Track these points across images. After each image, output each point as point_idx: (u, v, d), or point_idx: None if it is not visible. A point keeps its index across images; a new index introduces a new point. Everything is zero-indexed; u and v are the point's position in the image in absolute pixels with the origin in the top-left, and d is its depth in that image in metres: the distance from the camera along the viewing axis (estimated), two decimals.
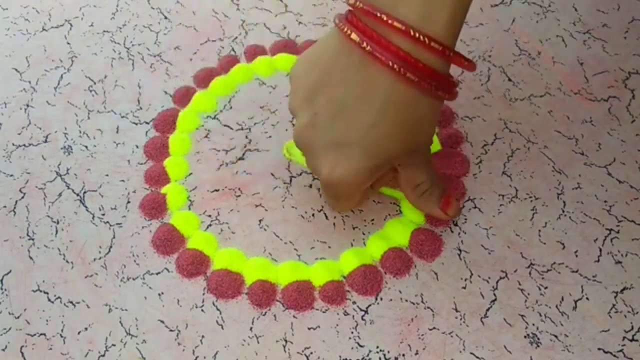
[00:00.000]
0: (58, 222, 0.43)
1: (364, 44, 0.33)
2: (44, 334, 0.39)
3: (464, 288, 0.40)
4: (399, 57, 0.33)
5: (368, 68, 0.34)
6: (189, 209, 0.44)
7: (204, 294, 0.41)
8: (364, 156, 0.35)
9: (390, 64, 0.33)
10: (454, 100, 0.37)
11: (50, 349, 0.39)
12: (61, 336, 0.39)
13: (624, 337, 0.39)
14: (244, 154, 0.46)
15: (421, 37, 0.33)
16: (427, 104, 0.35)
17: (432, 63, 0.33)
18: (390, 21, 0.33)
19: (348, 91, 0.35)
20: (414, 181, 0.39)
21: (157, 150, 0.47)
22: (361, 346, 0.39)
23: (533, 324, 0.39)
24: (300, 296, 0.40)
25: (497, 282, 0.41)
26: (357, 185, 0.37)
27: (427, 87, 0.34)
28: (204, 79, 0.50)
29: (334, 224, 0.43)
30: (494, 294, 0.40)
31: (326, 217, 0.43)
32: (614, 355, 0.38)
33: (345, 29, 0.34)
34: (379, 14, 0.33)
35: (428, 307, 0.40)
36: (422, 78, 0.33)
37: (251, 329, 0.39)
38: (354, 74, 0.34)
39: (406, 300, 0.40)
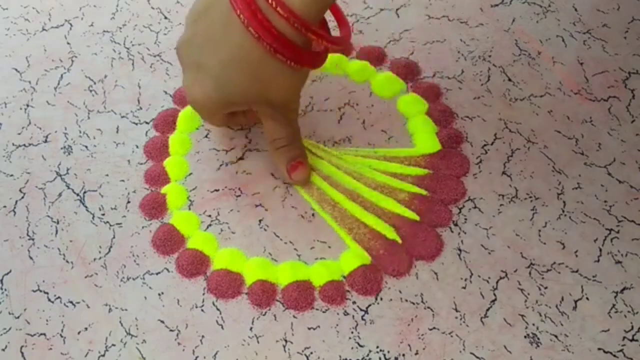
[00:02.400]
0: (58, 222, 0.43)
1: None
2: (44, 334, 0.39)
3: (464, 288, 0.40)
4: (249, 10, 0.36)
5: (231, 11, 0.37)
6: (189, 209, 0.44)
7: (204, 294, 0.41)
8: (215, 87, 0.38)
9: (238, 13, 0.36)
10: (313, 68, 0.40)
11: (50, 349, 0.39)
12: (61, 336, 0.39)
13: (624, 337, 0.39)
14: (244, 154, 0.46)
15: (270, 0, 0.35)
16: (272, 63, 0.37)
17: (281, 28, 0.36)
18: None
19: (218, 25, 0.38)
20: (272, 134, 0.43)
21: (157, 150, 0.46)
22: (361, 346, 0.39)
23: (533, 324, 0.39)
24: (300, 296, 0.40)
25: (497, 282, 0.41)
26: (210, 109, 0.40)
27: (266, 46, 0.36)
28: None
29: None
30: (494, 294, 0.40)
31: None
32: (614, 355, 0.38)
33: None
34: None
35: (428, 307, 0.40)
36: (264, 36, 0.36)
37: (251, 329, 0.39)
38: (224, 11, 0.37)
39: (406, 300, 0.40)
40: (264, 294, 0.40)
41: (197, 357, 0.38)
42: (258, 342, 0.39)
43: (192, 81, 0.40)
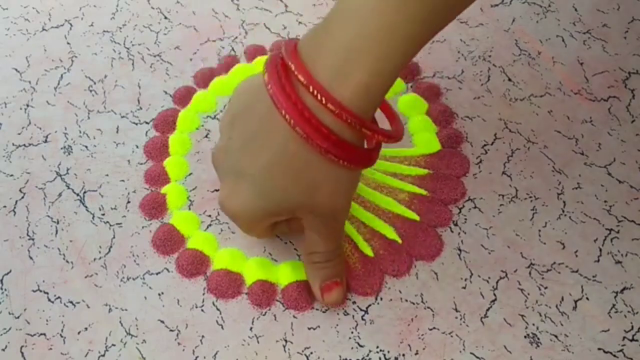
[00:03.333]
0: (58, 222, 0.43)
1: (269, 87, 0.33)
2: (44, 334, 0.39)
3: (464, 288, 0.40)
4: (295, 109, 0.32)
5: (273, 111, 0.33)
6: (189, 209, 0.44)
7: (204, 294, 0.41)
8: (256, 194, 0.35)
9: (284, 113, 0.32)
10: (366, 167, 0.35)
11: (50, 349, 0.39)
12: (61, 336, 0.39)
13: (624, 337, 0.39)
14: None
15: (319, 96, 0.32)
16: (322, 165, 0.33)
17: (332, 125, 0.32)
18: (296, 72, 0.33)
19: (259, 126, 0.34)
20: (310, 247, 0.38)
21: (157, 150, 0.47)
22: (361, 346, 0.39)
23: (533, 324, 0.39)
24: (300, 296, 0.40)
25: (497, 282, 0.41)
26: (251, 221, 0.37)
27: (316, 146, 0.32)
28: (204, 79, 0.50)
29: None
30: (494, 294, 0.40)
31: None
32: (614, 355, 0.38)
33: (264, 68, 0.34)
34: (289, 63, 0.33)
35: (428, 307, 0.40)
36: (312, 136, 0.32)
37: (251, 329, 0.39)
38: (265, 111, 0.34)
39: (406, 300, 0.40)
40: (264, 294, 0.40)
41: (197, 357, 0.38)
42: (258, 342, 0.39)
43: (229, 191, 0.36)
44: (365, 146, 0.36)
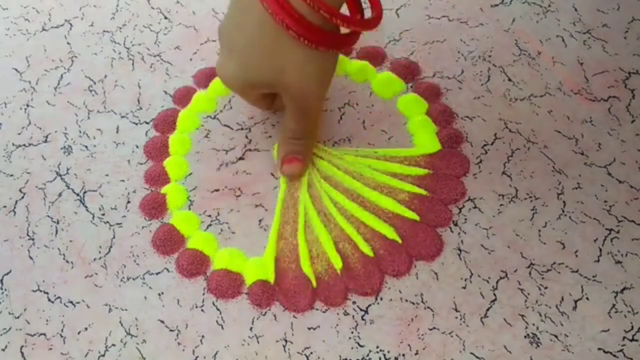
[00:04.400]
0: (58, 222, 0.43)
1: None
2: (44, 334, 0.39)
3: (464, 288, 0.40)
4: None
5: None
6: (189, 209, 0.44)
7: (204, 294, 0.41)
8: (239, 65, 0.39)
9: None
10: (343, 52, 0.39)
11: (50, 349, 0.39)
12: (61, 336, 0.39)
13: (624, 337, 0.39)
14: (244, 154, 0.46)
15: None
16: (289, 43, 0.37)
17: (297, 6, 0.36)
18: None
19: (245, 7, 0.38)
20: (285, 122, 0.43)
21: (157, 150, 0.47)
22: (361, 346, 0.39)
23: (533, 324, 0.39)
24: (297, 294, 0.40)
25: (497, 282, 0.41)
26: (237, 89, 0.41)
27: (279, 21, 0.36)
28: (204, 79, 0.50)
29: None
30: (494, 294, 0.40)
31: None
32: (614, 355, 0.38)
33: None
34: None
35: (428, 307, 0.40)
36: (277, 11, 0.36)
37: (251, 329, 0.39)
38: None
39: (406, 300, 0.40)
40: (264, 294, 0.40)
41: (197, 357, 0.38)
42: (258, 342, 0.39)
43: (222, 61, 0.40)
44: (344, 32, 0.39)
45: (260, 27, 0.37)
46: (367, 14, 0.40)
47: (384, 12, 0.40)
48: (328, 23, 0.37)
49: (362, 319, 0.40)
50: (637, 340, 0.38)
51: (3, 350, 0.39)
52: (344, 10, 0.40)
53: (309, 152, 0.44)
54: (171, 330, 0.39)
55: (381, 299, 0.40)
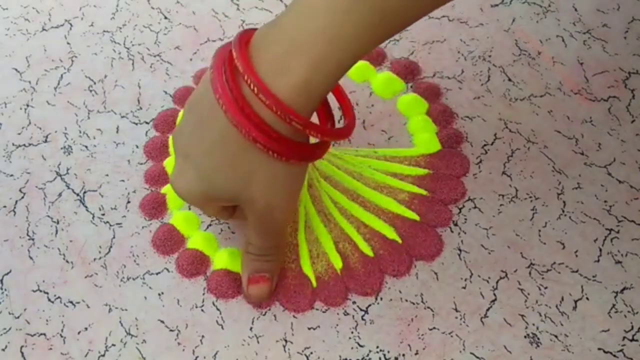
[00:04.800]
0: (58, 222, 0.43)
1: (211, 71, 0.34)
2: (44, 334, 0.39)
3: (464, 288, 0.40)
4: (228, 96, 0.33)
5: (212, 95, 0.34)
6: (189, 209, 0.44)
7: (204, 294, 0.41)
8: (198, 177, 0.35)
9: (217, 97, 0.33)
10: (304, 162, 0.35)
11: (50, 349, 0.39)
12: (61, 336, 0.39)
13: (624, 337, 0.39)
14: None
15: (252, 85, 0.32)
16: (256, 155, 0.34)
17: (265, 116, 0.33)
18: (236, 60, 0.33)
19: (207, 112, 0.34)
20: (248, 236, 0.39)
21: (157, 150, 0.47)
22: (361, 346, 0.39)
23: (533, 324, 0.39)
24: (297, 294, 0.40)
25: (497, 282, 0.41)
26: (193, 202, 0.37)
27: (245, 133, 0.33)
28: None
29: None
30: (494, 294, 0.40)
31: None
32: (614, 355, 0.38)
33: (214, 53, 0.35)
34: (233, 50, 0.33)
35: (428, 307, 0.40)
36: (242, 123, 0.33)
37: (251, 329, 0.39)
38: (208, 97, 0.34)
39: (406, 300, 0.40)
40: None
41: (197, 357, 0.38)
42: (258, 342, 0.39)
43: (177, 172, 0.37)
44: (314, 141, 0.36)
45: (223, 136, 0.34)
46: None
47: None
48: (299, 134, 0.34)
49: (362, 319, 0.40)
50: (637, 340, 0.38)
51: (3, 350, 0.39)
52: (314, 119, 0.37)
53: (277, 269, 0.40)
54: (171, 330, 0.39)
55: (381, 299, 0.40)
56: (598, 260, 0.41)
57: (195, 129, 0.35)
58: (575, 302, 0.40)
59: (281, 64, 0.32)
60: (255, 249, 0.39)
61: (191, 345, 0.39)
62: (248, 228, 0.39)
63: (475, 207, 0.43)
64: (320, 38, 0.31)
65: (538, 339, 0.39)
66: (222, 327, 0.39)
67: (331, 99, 0.39)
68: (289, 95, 0.32)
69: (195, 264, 0.41)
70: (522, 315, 0.39)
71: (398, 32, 0.33)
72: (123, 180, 0.45)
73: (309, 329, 0.39)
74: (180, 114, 0.48)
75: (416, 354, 0.38)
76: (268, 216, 0.37)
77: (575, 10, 0.53)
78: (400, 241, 0.42)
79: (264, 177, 0.35)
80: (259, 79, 0.32)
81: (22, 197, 0.45)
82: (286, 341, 0.39)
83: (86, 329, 0.39)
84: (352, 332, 0.39)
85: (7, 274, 0.42)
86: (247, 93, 0.33)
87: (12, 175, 0.46)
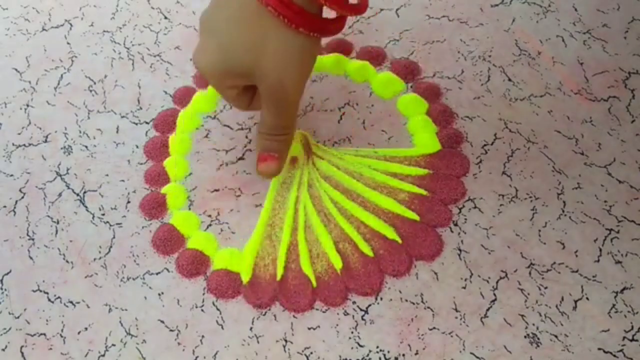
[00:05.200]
0: (58, 222, 0.43)
1: None
2: (44, 334, 0.39)
3: (464, 288, 0.40)
4: None
5: None
6: (189, 209, 0.44)
7: (204, 294, 0.41)
8: (218, 48, 0.37)
9: None
10: (325, 36, 0.37)
11: (50, 349, 0.39)
12: (61, 336, 0.39)
13: (624, 337, 0.39)
14: (244, 154, 0.46)
15: None
16: (268, 21, 0.36)
17: None
18: None
19: None
20: (262, 117, 0.41)
21: (157, 150, 0.47)
22: (361, 346, 0.39)
23: (533, 324, 0.39)
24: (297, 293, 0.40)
25: (497, 282, 0.41)
26: (212, 74, 0.39)
27: (265, 2, 0.35)
28: (204, 79, 0.50)
29: None
30: (494, 294, 0.40)
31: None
32: (614, 355, 0.38)
33: None
34: None
35: (428, 307, 0.40)
36: None
37: (251, 329, 0.39)
38: None
39: (406, 300, 0.40)
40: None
41: (197, 357, 0.38)
42: (258, 342, 0.39)
43: (200, 46, 0.39)
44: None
45: (241, 5, 0.36)
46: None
47: (384, 12, 0.39)
48: (313, 6, 0.36)
49: (362, 319, 0.40)
50: (637, 340, 0.38)
51: (3, 350, 0.39)
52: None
53: (286, 149, 0.43)
54: (171, 330, 0.39)
55: (381, 299, 0.40)
56: (598, 260, 0.41)
57: (218, 4, 0.38)
58: (575, 302, 0.40)
59: None
60: (266, 128, 0.41)
61: (191, 345, 0.39)
62: (262, 109, 0.40)
63: (475, 207, 0.43)
64: None
65: (538, 339, 0.39)
66: (222, 327, 0.39)
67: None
68: None
69: (195, 264, 0.41)
70: (522, 315, 0.39)
71: None
72: (123, 180, 0.45)
73: (309, 329, 0.39)
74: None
75: (416, 354, 0.38)
76: (279, 92, 0.38)
77: (575, 10, 0.53)
78: (400, 241, 0.42)
79: (276, 47, 0.36)
80: None
81: (22, 197, 0.45)
82: (286, 341, 0.39)
83: (86, 329, 0.39)
84: (352, 332, 0.39)
85: (7, 274, 0.42)
86: None
87: (12, 175, 0.46)
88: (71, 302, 0.40)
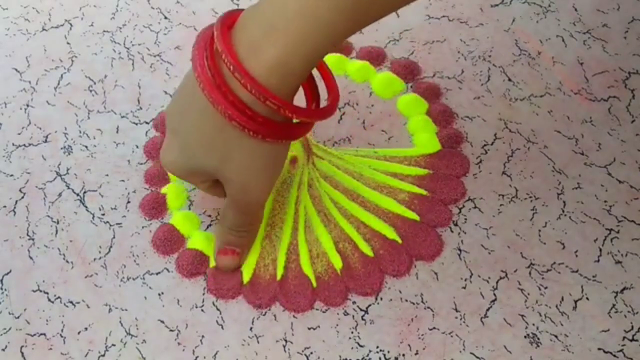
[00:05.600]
0: (58, 222, 0.43)
1: (194, 49, 0.35)
2: (44, 334, 0.39)
3: (464, 288, 0.40)
4: (206, 74, 0.34)
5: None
6: (189, 208, 0.44)
7: (204, 294, 0.41)
8: (182, 151, 0.37)
9: (196, 75, 0.34)
10: (293, 140, 0.36)
11: (50, 349, 0.39)
12: (61, 336, 0.39)
13: (624, 337, 0.39)
14: None
15: (228, 64, 0.33)
16: (234, 133, 0.34)
17: (242, 95, 0.33)
18: (216, 40, 0.34)
19: (188, 90, 0.36)
20: (223, 210, 0.40)
21: (157, 150, 0.46)
22: (361, 346, 0.39)
23: (533, 324, 0.39)
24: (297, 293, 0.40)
25: (497, 282, 0.41)
26: (178, 173, 0.38)
27: (221, 111, 0.34)
28: None
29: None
30: (494, 294, 0.40)
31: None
32: (614, 355, 0.38)
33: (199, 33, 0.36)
34: (214, 30, 0.34)
35: (428, 307, 0.40)
36: (218, 101, 0.33)
37: (251, 329, 0.39)
38: (191, 76, 0.35)
39: (406, 300, 0.40)
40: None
41: (197, 357, 0.38)
42: (258, 342, 0.39)
43: (166, 146, 0.38)
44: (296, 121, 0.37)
45: (202, 114, 0.35)
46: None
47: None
48: (277, 114, 0.34)
49: (362, 319, 0.40)
50: (637, 340, 0.38)
51: (3, 350, 0.39)
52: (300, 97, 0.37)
53: (249, 245, 0.41)
54: (171, 330, 0.39)
55: (381, 299, 0.40)
56: (598, 260, 0.41)
57: (182, 106, 0.37)
58: (575, 302, 0.40)
59: (257, 44, 0.33)
60: (229, 223, 0.40)
61: (191, 345, 0.39)
62: (225, 203, 0.40)
63: (475, 207, 0.43)
64: (295, 20, 0.32)
65: (538, 339, 0.39)
66: (222, 327, 0.39)
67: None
68: (264, 75, 0.33)
69: (195, 264, 0.41)
70: (522, 315, 0.39)
71: (375, 21, 0.34)
72: (123, 180, 0.45)
73: (309, 329, 0.39)
74: None
75: (416, 354, 0.38)
76: (243, 196, 0.38)
77: (575, 10, 0.53)
78: (400, 241, 0.42)
79: (240, 157, 0.36)
80: (235, 58, 0.33)
81: (22, 197, 0.45)
82: (286, 341, 0.39)
83: (86, 329, 0.39)
84: (352, 332, 0.39)
85: (7, 274, 0.42)
86: (225, 72, 0.34)
87: (12, 175, 0.46)
88: (71, 302, 0.40)
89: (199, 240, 0.42)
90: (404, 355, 0.38)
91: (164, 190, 0.45)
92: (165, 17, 0.54)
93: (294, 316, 0.40)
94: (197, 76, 0.34)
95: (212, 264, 0.41)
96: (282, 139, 0.36)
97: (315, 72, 0.39)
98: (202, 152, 0.36)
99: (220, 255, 0.41)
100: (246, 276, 0.41)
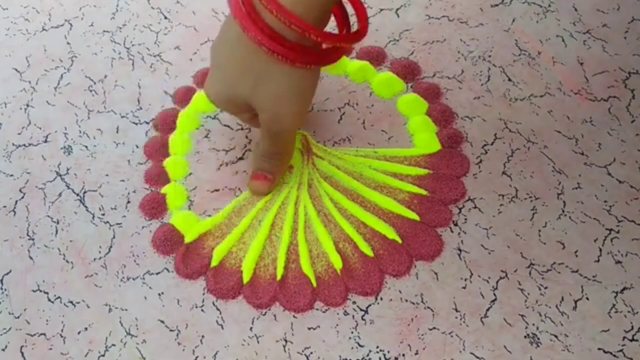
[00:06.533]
0: (58, 222, 0.43)
1: None
2: (44, 334, 0.39)
3: (464, 288, 0.40)
4: (237, 4, 0.36)
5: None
6: (189, 209, 0.44)
7: (204, 294, 0.41)
8: (222, 81, 0.39)
9: (230, 2, 0.37)
10: (325, 65, 0.38)
11: (50, 349, 0.39)
12: (61, 336, 0.39)
13: (624, 337, 0.39)
14: (243, 154, 0.46)
15: None
16: (265, 59, 0.37)
17: (271, 22, 0.36)
18: None
19: (227, 23, 0.39)
20: (260, 139, 0.42)
21: (157, 150, 0.47)
22: (361, 346, 0.39)
23: (533, 324, 0.39)
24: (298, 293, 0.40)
25: (497, 282, 0.41)
26: (219, 103, 0.41)
27: (253, 38, 0.36)
28: (204, 78, 0.50)
29: None
30: (494, 294, 0.40)
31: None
32: (614, 355, 0.38)
33: None
34: None
35: (428, 307, 0.40)
36: (249, 28, 0.36)
37: (251, 329, 0.39)
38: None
39: (406, 300, 0.40)
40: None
41: (197, 357, 0.38)
42: (258, 342, 0.39)
43: (209, 78, 0.41)
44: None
45: (237, 42, 0.37)
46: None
47: (384, 12, 0.40)
48: (305, 39, 0.36)
49: (362, 319, 0.40)
50: (637, 340, 0.38)
51: (3, 350, 0.39)
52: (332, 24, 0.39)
53: (280, 172, 0.44)
54: (171, 330, 0.39)
55: (381, 299, 0.40)
56: (598, 260, 0.41)
57: (221, 39, 0.39)
58: (575, 302, 0.40)
59: None
60: (262, 150, 0.42)
61: (191, 345, 0.39)
62: (260, 132, 0.41)
63: (475, 207, 0.43)
64: None
65: (538, 339, 0.39)
66: (222, 327, 0.39)
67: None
68: (290, 3, 0.35)
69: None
70: (522, 315, 0.39)
71: None
72: (123, 180, 0.45)
73: (309, 329, 0.39)
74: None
75: (416, 354, 0.38)
76: (275, 124, 0.39)
77: (575, 10, 0.53)
78: (400, 241, 0.42)
79: (271, 83, 0.37)
80: None
81: (22, 197, 0.45)
82: (286, 341, 0.39)
83: (86, 329, 0.39)
84: (352, 332, 0.39)
85: (7, 274, 0.42)
86: (255, 2, 0.36)
87: (12, 175, 0.46)
88: (71, 302, 0.40)
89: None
90: (404, 355, 0.38)
91: (164, 190, 0.45)
92: (165, 17, 0.54)
93: (294, 316, 0.40)
94: (230, 7, 0.37)
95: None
96: (311, 64, 0.37)
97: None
98: (237, 79, 0.38)
99: (253, 180, 0.43)
100: (246, 276, 0.41)
